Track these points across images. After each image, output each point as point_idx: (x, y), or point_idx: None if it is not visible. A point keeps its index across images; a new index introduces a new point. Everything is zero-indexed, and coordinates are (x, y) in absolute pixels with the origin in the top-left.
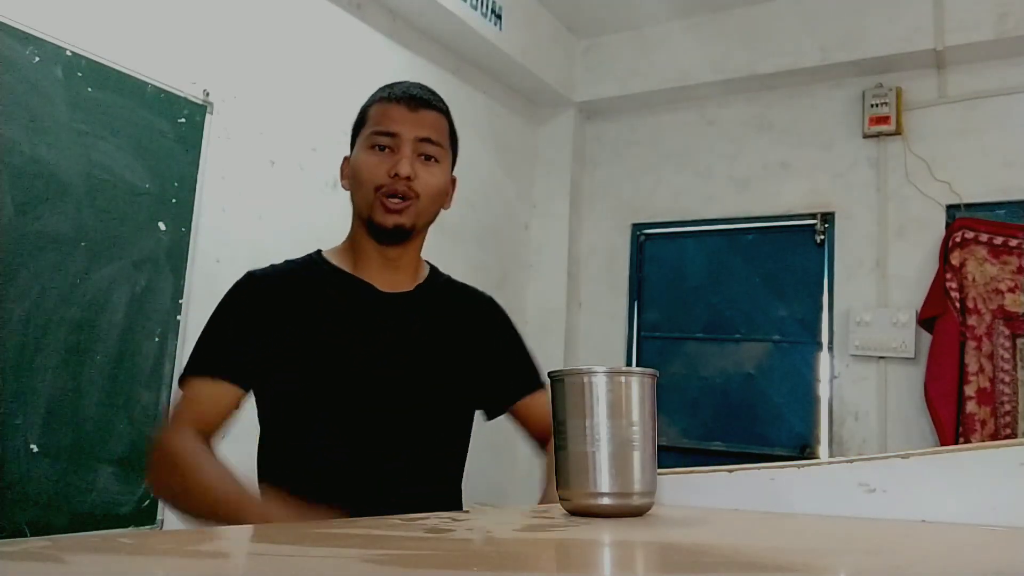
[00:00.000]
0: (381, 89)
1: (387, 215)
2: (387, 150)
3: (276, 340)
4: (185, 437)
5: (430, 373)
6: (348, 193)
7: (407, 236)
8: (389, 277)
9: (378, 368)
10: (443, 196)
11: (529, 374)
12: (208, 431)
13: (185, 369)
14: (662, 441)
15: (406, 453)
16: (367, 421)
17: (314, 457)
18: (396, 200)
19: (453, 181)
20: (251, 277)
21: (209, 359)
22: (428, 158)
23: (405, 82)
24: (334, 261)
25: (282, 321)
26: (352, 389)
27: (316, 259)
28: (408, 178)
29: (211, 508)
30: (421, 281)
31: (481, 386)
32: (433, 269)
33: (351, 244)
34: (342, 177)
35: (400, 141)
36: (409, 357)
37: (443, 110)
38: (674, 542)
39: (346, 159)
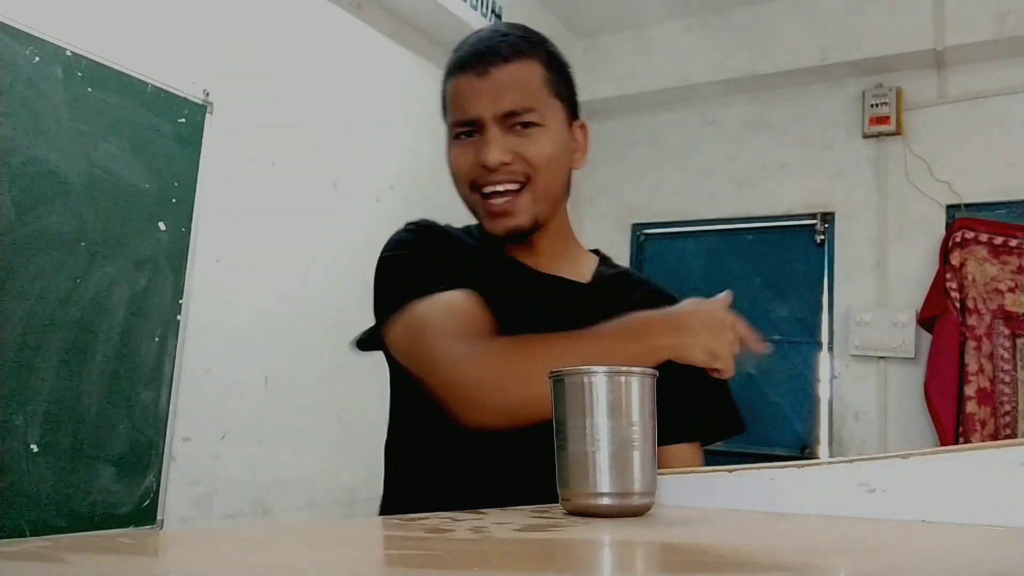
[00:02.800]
0: (452, 53)
1: (494, 221)
2: (474, 135)
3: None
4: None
5: None
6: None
7: (531, 232)
8: (540, 262)
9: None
10: (564, 160)
11: (732, 412)
12: None
13: (396, 301)
14: None
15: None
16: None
17: (466, 446)
18: (500, 200)
19: (581, 127)
20: (428, 224)
21: (432, 280)
22: (526, 125)
23: (477, 33)
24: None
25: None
26: None
27: (472, 228)
28: (504, 164)
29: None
30: (591, 275)
31: (673, 414)
32: (603, 259)
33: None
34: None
35: (481, 124)
36: None
37: (529, 53)
38: (674, 542)
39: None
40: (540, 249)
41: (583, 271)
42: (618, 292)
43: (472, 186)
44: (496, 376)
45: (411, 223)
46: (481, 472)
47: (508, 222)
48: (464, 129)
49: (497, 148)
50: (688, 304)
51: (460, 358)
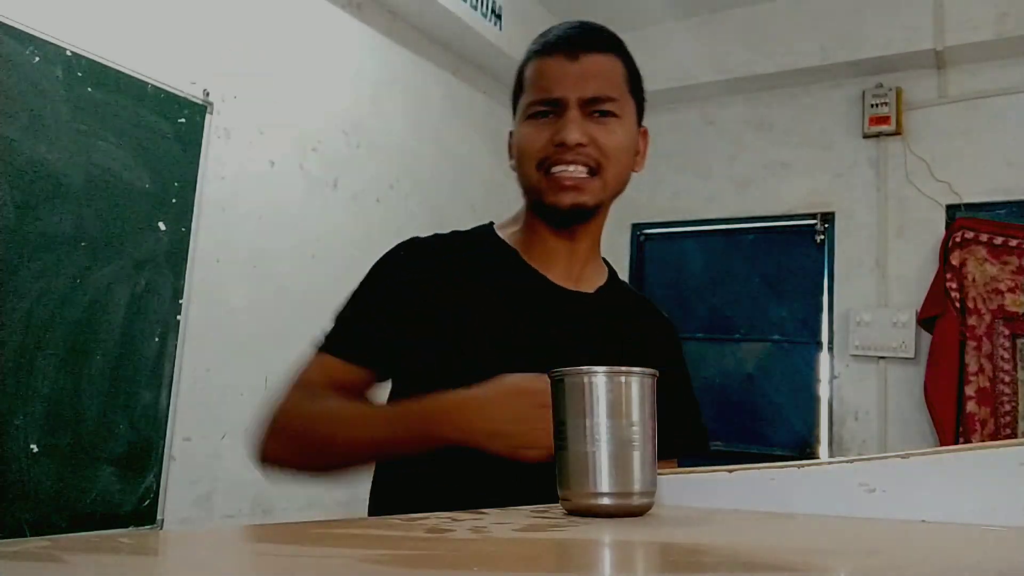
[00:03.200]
0: (536, 39)
1: (561, 193)
2: (550, 115)
3: (428, 319)
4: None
5: None
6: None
7: (588, 217)
8: (565, 268)
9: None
10: (630, 156)
11: (699, 433)
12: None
13: (322, 343)
14: None
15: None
16: None
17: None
18: (572, 172)
19: (644, 134)
20: (412, 243)
21: (349, 340)
22: (604, 114)
23: (564, 24)
24: (505, 239)
25: (438, 298)
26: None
27: (486, 232)
28: (580, 145)
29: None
30: (602, 283)
31: None
32: (611, 271)
33: (523, 226)
34: (509, 156)
35: (564, 105)
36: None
37: (615, 49)
38: (674, 542)
39: (510, 132)
40: (577, 246)
41: (597, 280)
42: (620, 308)
43: (540, 165)
44: (273, 437)
45: (400, 244)
46: (480, 476)
47: (577, 196)
48: (542, 108)
49: (577, 128)
50: (500, 387)
51: (275, 402)
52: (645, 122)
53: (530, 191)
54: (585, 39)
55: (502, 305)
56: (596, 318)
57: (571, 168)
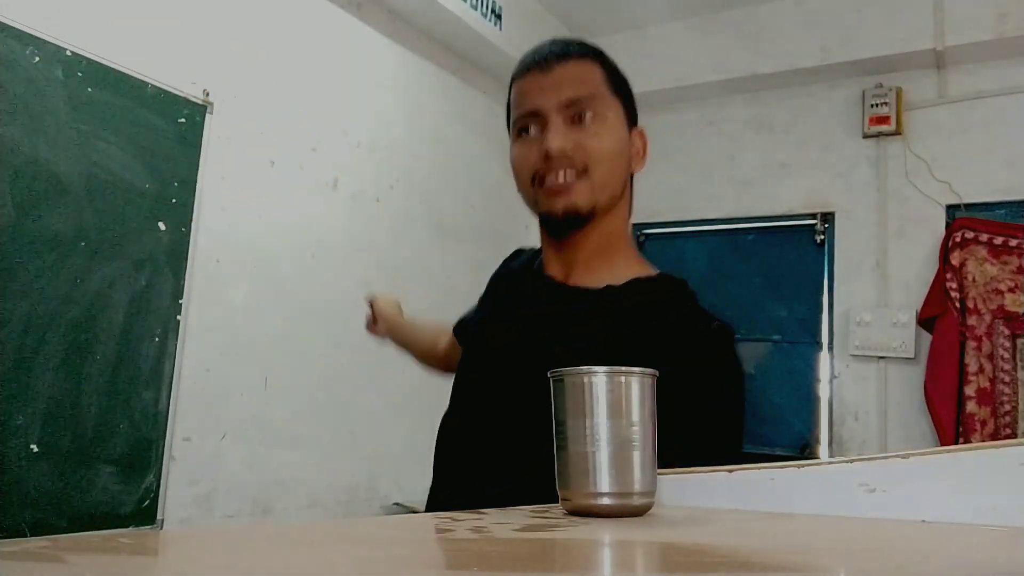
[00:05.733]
0: (517, 65)
1: (553, 199)
2: (535, 130)
3: (477, 312)
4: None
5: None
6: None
7: (582, 223)
8: (562, 268)
9: (510, 346)
10: (622, 157)
11: (695, 445)
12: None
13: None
14: None
15: (506, 438)
16: (485, 406)
17: (444, 428)
18: (559, 179)
19: (640, 134)
20: (512, 254)
21: (460, 321)
22: (586, 117)
23: (542, 43)
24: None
25: (486, 296)
26: (482, 364)
27: (532, 252)
28: (566, 152)
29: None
30: (616, 284)
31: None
32: (665, 277)
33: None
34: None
35: (544, 116)
36: (550, 345)
37: (589, 55)
38: (674, 542)
39: None
40: (582, 250)
41: (608, 280)
42: (633, 296)
43: (534, 179)
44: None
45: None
46: (481, 476)
47: (567, 200)
48: (526, 123)
49: (559, 136)
50: None
51: None
52: (645, 122)
53: (531, 207)
54: (556, 52)
55: (501, 297)
56: (596, 307)
57: (560, 177)
